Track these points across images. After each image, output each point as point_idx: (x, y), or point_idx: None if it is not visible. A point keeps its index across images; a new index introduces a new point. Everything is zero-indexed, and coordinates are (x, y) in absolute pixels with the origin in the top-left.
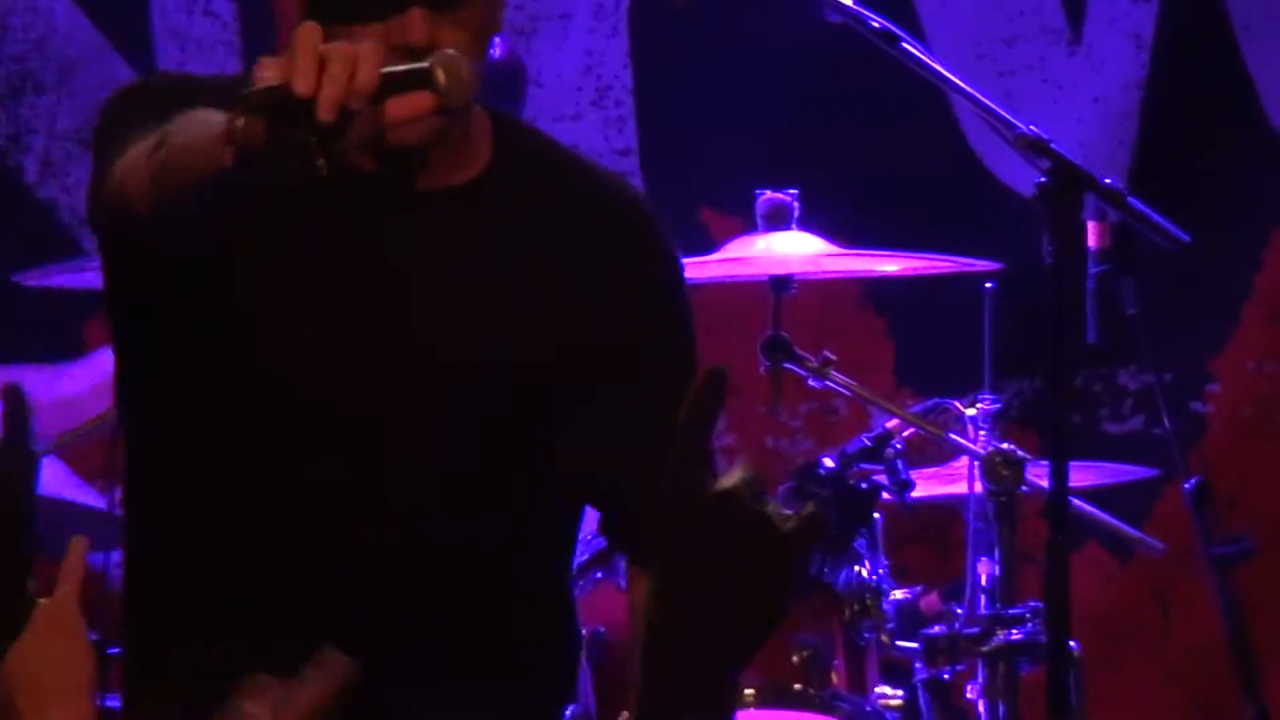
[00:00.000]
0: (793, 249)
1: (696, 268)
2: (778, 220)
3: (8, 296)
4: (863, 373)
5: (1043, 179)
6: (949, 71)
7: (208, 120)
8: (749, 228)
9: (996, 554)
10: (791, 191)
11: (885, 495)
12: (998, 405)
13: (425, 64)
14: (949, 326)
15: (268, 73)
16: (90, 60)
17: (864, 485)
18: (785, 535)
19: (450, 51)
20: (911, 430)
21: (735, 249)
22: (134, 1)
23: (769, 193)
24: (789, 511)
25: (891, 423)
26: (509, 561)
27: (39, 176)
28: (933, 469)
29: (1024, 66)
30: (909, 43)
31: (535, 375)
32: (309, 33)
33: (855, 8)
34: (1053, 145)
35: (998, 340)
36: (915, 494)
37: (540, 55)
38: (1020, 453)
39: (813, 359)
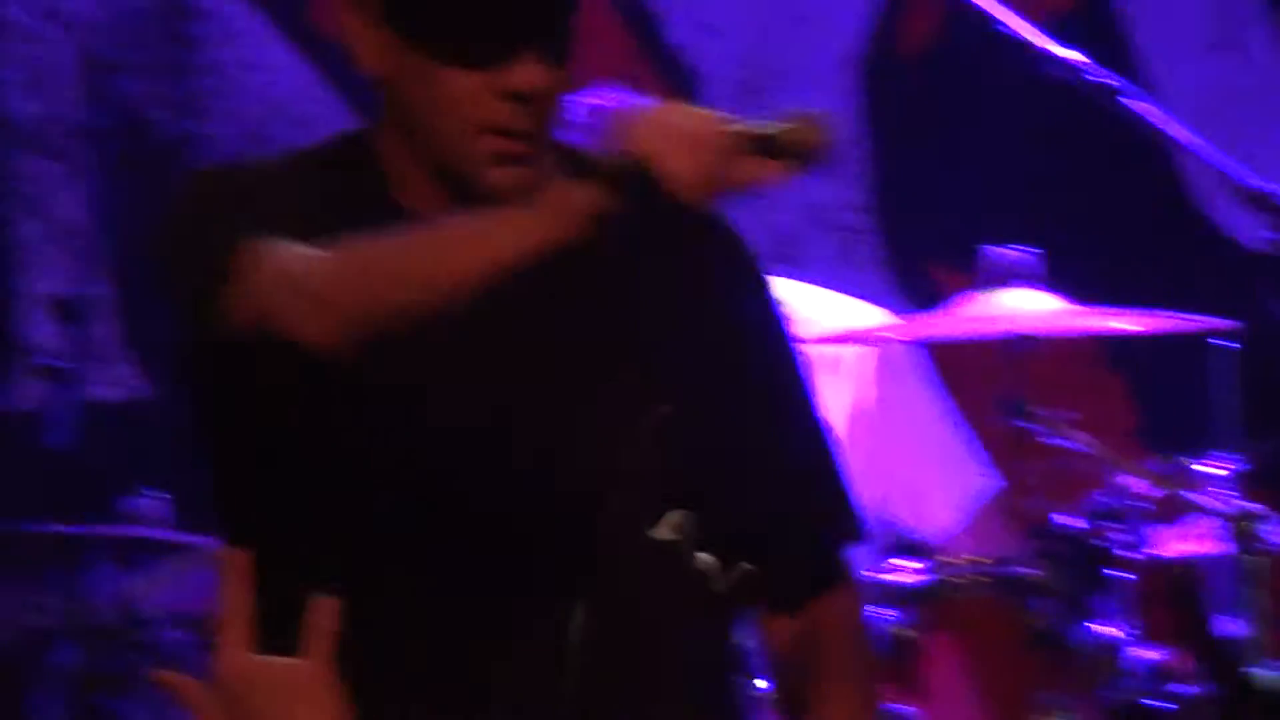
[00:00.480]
0: (1031, 307)
1: (934, 325)
2: (1016, 278)
3: None
4: (1102, 431)
5: (1274, 235)
6: (1177, 128)
7: (464, 229)
8: (986, 285)
9: (1239, 614)
10: (1029, 249)
11: (1124, 554)
12: (1240, 464)
13: (769, 124)
14: (1189, 384)
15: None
16: (320, 117)
17: (1103, 544)
18: (717, 593)
19: (809, 113)
20: (1151, 489)
21: (973, 307)
22: None
23: (1006, 250)
24: (726, 570)
25: (1131, 481)
26: (682, 628)
27: None
28: (1172, 527)
29: (1252, 121)
30: (1132, 96)
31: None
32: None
33: (1084, 64)
34: None
35: (1239, 398)
36: (1155, 553)
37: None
38: (1264, 511)
39: (1051, 417)
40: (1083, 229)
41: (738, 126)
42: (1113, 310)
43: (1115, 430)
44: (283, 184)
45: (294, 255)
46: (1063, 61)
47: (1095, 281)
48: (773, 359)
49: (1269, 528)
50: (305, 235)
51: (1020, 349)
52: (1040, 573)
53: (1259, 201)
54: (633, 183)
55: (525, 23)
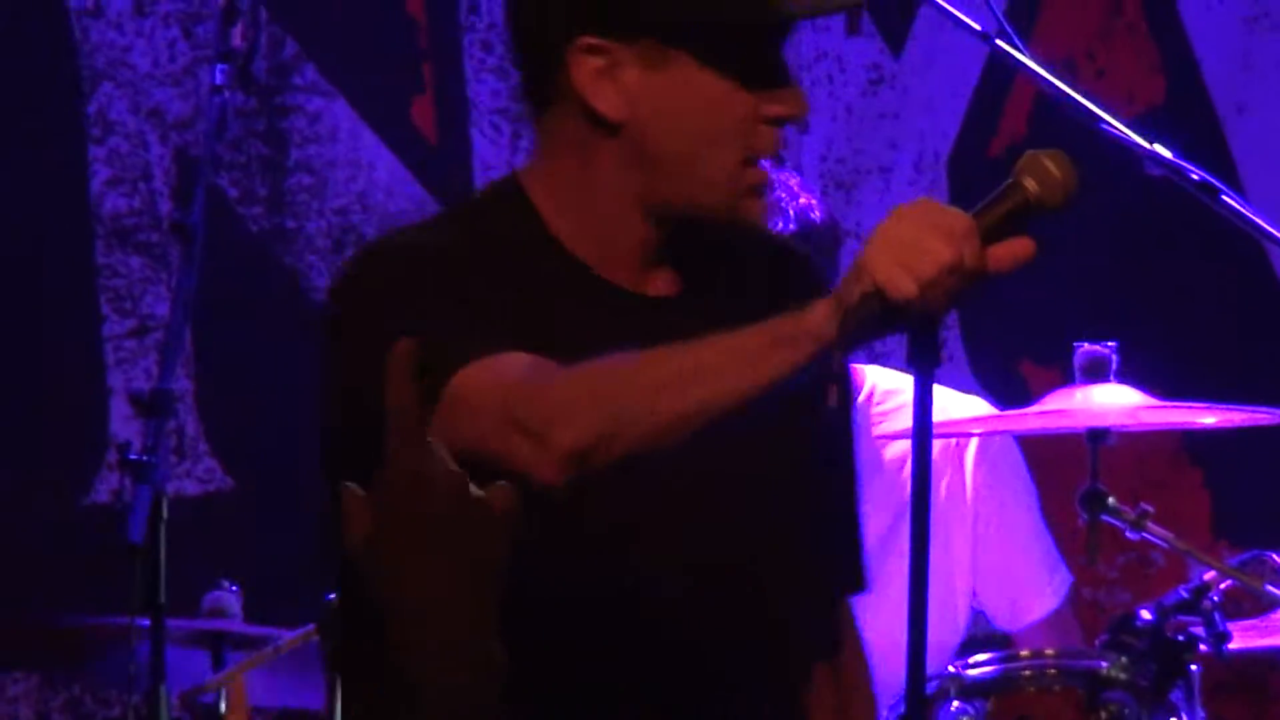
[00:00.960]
0: (1111, 401)
1: (1017, 420)
2: (1096, 373)
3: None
4: (1180, 524)
5: None
6: (1268, 224)
7: (723, 350)
8: (1067, 380)
9: None
10: (1110, 344)
11: (1202, 647)
12: None
13: (1015, 186)
14: (1267, 477)
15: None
16: (411, 214)
17: (1181, 637)
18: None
19: (1036, 154)
20: (1229, 582)
21: (1054, 401)
22: (455, 154)
23: (1087, 345)
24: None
25: (1209, 575)
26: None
27: None
28: (1251, 621)
29: None
30: (1229, 195)
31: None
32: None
33: (1176, 161)
34: None
35: None
36: (1233, 646)
37: (863, 207)
38: None
39: (1130, 511)
40: (1170, 324)
41: (980, 215)
42: (1192, 405)
43: (1193, 524)
44: (454, 251)
45: (510, 380)
46: (1163, 160)
47: (1181, 376)
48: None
49: None
50: (486, 297)
51: (1100, 443)
52: (1115, 666)
53: None
54: (869, 314)
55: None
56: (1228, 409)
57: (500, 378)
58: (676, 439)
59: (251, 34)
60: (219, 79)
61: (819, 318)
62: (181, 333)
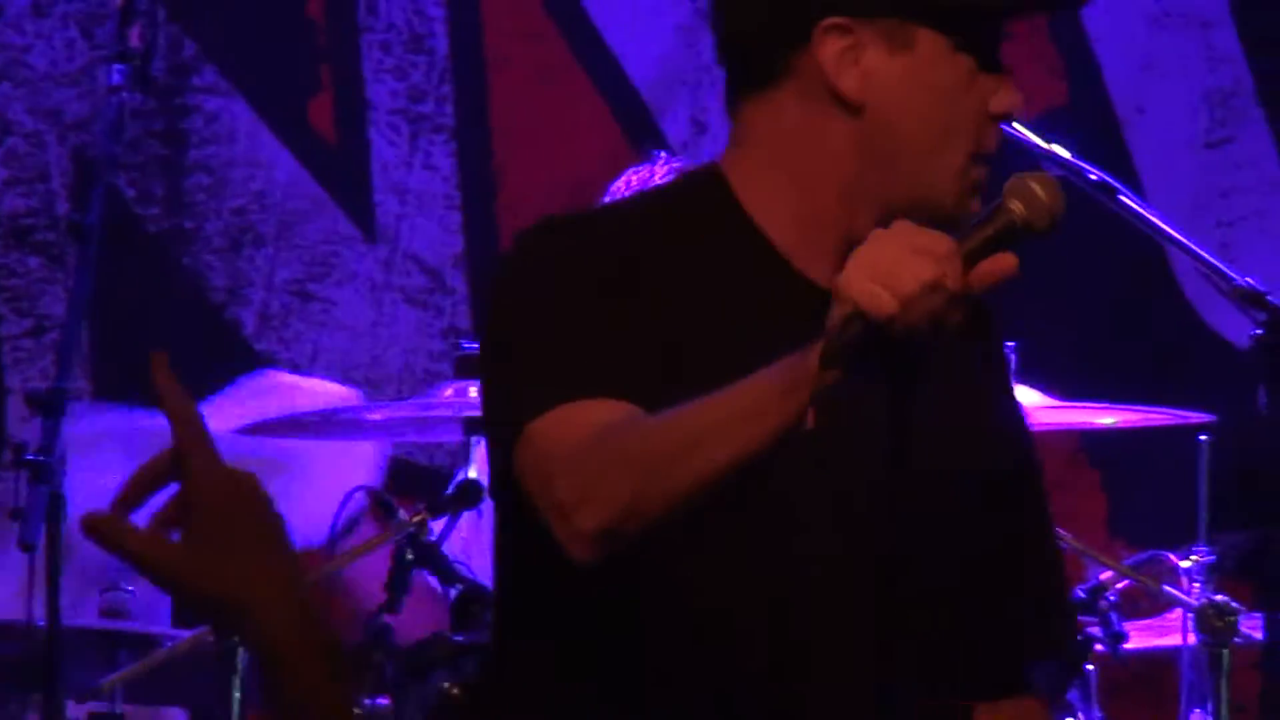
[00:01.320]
0: None
1: None
2: None
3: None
4: (1076, 525)
5: (1259, 331)
6: (1167, 224)
7: (726, 405)
8: None
9: (1210, 706)
10: (1008, 344)
11: (1099, 647)
12: (1212, 557)
13: (1001, 210)
14: (1163, 478)
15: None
16: (310, 213)
17: (1078, 637)
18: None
19: (1023, 177)
20: (1125, 582)
21: None
22: (354, 155)
23: None
24: None
25: (1105, 575)
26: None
27: (257, 329)
28: (1147, 621)
29: (1242, 218)
30: (1127, 195)
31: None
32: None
33: (1075, 161)
34: (1270, 297)
35: (1213, 492)
36: (1129, 646)
37: None
38: (1235, 605)
39: None
40: (1069, 325)
41: (966, 238)
42: (1090, 405)
43: (1091, 524)
44: (638, 231)
45: (561, 451)
46: (1062, 160)
47: (1080, 377)
48: (1024, 449)
49: (1238, 620)
50: (670, 279)
51: None
52: None
53: (1247, 298)
54: (852, 338)
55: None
56: (1125, 410)
57: (556, 446)
58: (697, 504)
59: (149, 34)
60: (116, 79)
61: (816, 361)
62: (78, 333)
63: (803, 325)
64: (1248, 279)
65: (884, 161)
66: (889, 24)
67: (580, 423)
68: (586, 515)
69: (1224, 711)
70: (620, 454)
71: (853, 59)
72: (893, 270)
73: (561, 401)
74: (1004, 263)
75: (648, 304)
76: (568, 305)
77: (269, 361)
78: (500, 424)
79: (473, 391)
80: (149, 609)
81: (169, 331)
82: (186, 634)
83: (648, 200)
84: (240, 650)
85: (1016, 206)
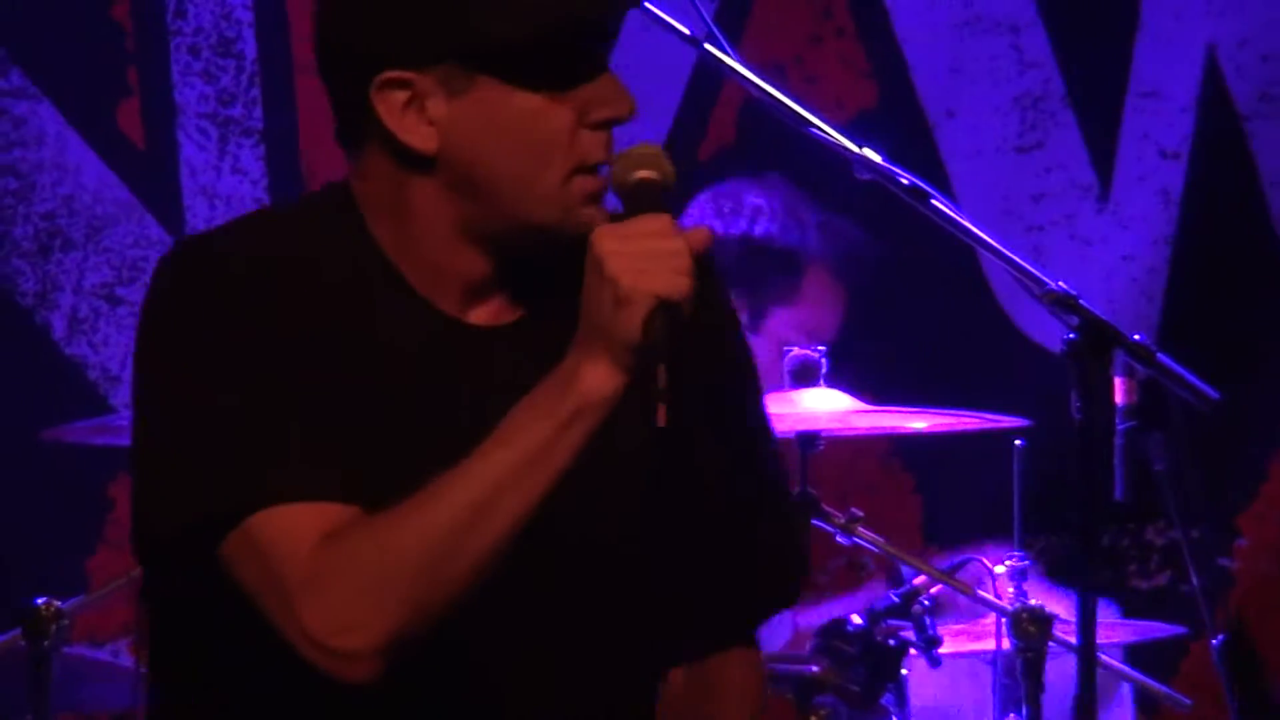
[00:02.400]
0: (820, 406)
1: None
2: (806, 377)
3: (35, 454)
4: (890, 529)
5: (1071, 335)
6: (978, 228)
7: (515, 451)
8: (777, 384)
9: (1024, 711)
10: (819, 348)
11: (913, 652)
12: (1026, 562)
13: (644, 183)
14: (977, 483)
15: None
16: (119, 217)
17: (892, 642)
18: None
19: (624, 154)
20: (939, 587)
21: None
22: (163, 158)
23: (796, 349)
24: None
25: (919, 579)
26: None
27: (67, 333)
28: (961, 625)
29: (1052, 223)
30: (939, 199)
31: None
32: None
33: (886, 165)
34: (1081, 301)
35: (1027, 496)
36: (943, 650)
37: None
38: (1048, 610)
39: (840, 515)
40: (880, 328)
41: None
42: (901, 409)
43: (904, 529)
44: (291, 274)
45: (301, 572)
46: (872, 164)
47: (892, 380)
48: (752, 405)
49: (1051, 625)
50: (328, 324)
51: (810, 448)
52: (825, 670)
53: (1059, 303)
54: (661, 332)
55: (605, 34)
56: (938, 413)
57: (287, 564)
58: (497, 565)
59: None
60: None
61: (597, 380)
62: None
63: (436, 359)
64: (1060, 283)
65: (478, 200)
66: (445, 70)
67: (307, 530)
68: (357, 638)
69: (1038, 717)
70: (383, 559)
71: (416, 110)
72: (656, 256)
73: (278, 499)
74: (705, 230)
75: (317, 358)
76: (240, 364)
77: (79, 366)
78: (190, 499)
79: None
80: None
81: None
82: None
83: (290, 218)
84: (53, 656)
85: (647, 174)
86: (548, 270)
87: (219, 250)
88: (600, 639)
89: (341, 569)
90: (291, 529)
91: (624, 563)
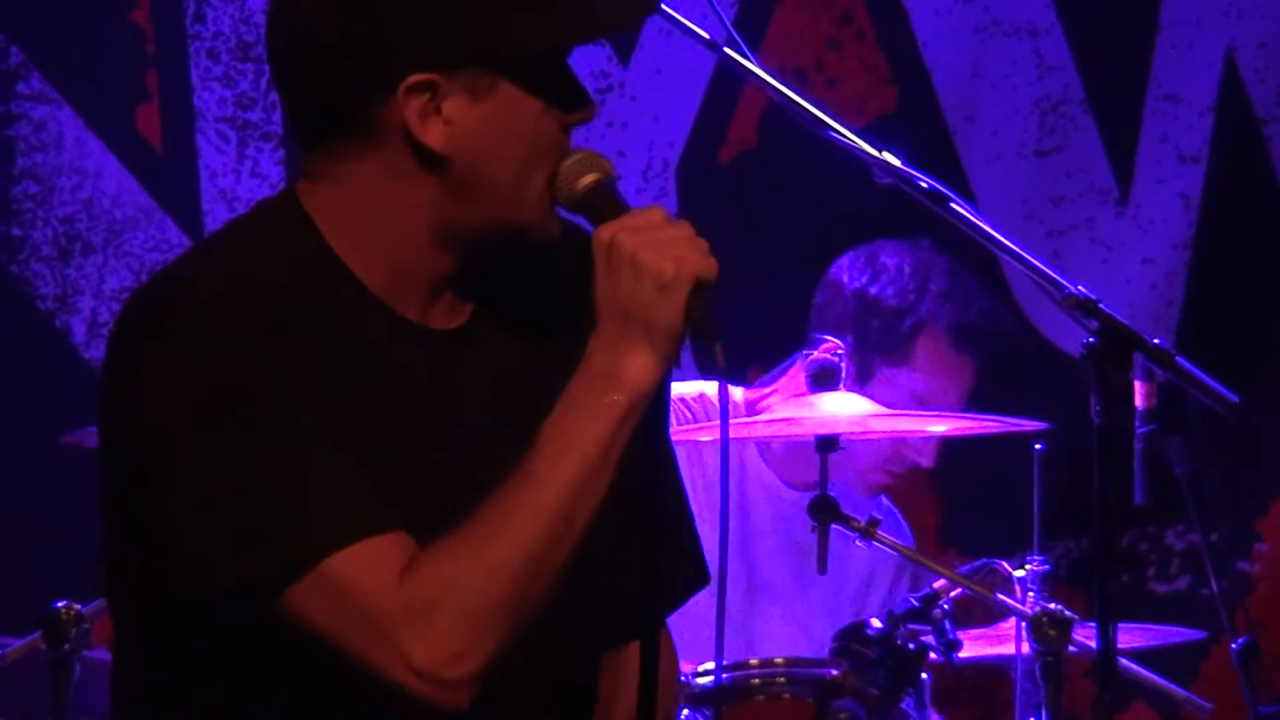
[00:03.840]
0: (840, 409)
1: (746, 427)
2: (826, 381)
3: (55, 457)
4: (911, 532)
5: (1091, 339)
6: (998, 232)
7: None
8: (804, 388)
9: (1044, 714)
10: (840, 352)
11: (933, 655)
12: (1046, 566)
13: (597, 185)
14: (997, 487)
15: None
16: (139, 221)
17: (911, 646)
18: None
19: (567, 165)
20: (959, 590)
21: (783, 409)
22: (182, 162)
23: (816, 353)
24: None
25: (939, 583)
26: None
27: (87, 337)
28: (980, 629)
29: (1073, 227)
30: (958, 203)
31: None
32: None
33: (906, 169)
34: (1101, 305)
35: (1046, 500)
36: (963, 654)
37: None
38: (1068, 613)
39: (859, 519)
40: None
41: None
42: (921, 413)
43: (924, 532)
44: (266, 304)
45: (394, 603)
46: (892, 168)
47: None
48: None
49: (1071, 628)
50: (307, 349)
51: (830, 451)
52: (845, 674)
53: (1079, 306)
54: (706, 314)
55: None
56: (957, 417)
57: (376, 598)
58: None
59: None
60: None
61: (642, 370)
62: None
63: (396, 362)
64: (1079, 287)
65: (472, 201)
66: (471, 74)
67: (389, 562)
68: (468, 664)
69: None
70: (487, 582)
71: (435, 110)
72: (679, 242)
73: (352, 537)
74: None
75: (316, 384)
76: (261, 405)
77: (99, 370)
78: (249, 552)
79: None
80: None
81: None
82: (17, 643)
83: (257, 259)
84: (74, 659)
85: (593, 176)
86: (493, 272)
87: (199, 296)
88: (567, 629)
89: (443, 596)
90: (372, 564)
91: (587, 561)
